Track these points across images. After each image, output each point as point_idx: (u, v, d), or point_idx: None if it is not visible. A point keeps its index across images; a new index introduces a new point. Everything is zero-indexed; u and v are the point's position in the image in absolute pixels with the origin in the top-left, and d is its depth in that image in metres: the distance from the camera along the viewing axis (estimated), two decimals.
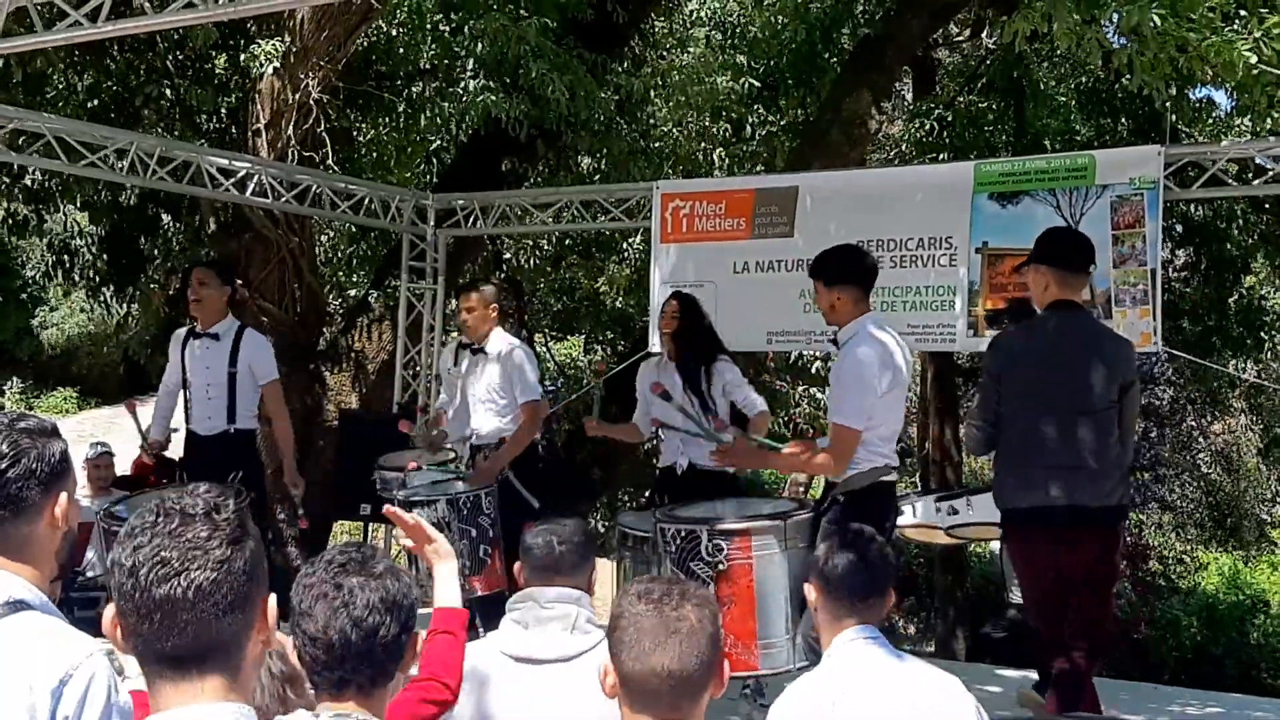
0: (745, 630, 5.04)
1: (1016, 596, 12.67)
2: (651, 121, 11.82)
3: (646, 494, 7.80)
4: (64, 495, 2.50)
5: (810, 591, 3.55)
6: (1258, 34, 6.91)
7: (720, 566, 5.05)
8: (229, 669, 1.74)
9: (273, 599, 1.82)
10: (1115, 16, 7.66)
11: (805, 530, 5.22)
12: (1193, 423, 20.09)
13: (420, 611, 2.50)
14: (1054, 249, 5.67)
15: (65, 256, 11.76)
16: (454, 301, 8.63)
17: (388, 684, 2.35)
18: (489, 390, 7.63)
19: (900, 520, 7.54)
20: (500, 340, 7.68)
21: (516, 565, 3.69)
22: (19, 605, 2.36)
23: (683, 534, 5.16)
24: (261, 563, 1.80)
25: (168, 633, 1.72)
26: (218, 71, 10.26)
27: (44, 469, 2.46)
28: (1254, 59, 6.86)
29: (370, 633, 2.29)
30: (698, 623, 2.40)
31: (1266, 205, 13.32)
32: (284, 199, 9.61)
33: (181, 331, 7.72)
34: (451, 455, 8.04)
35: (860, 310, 5.43)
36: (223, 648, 1.73)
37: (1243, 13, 7.36)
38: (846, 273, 5.47)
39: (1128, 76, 7.65)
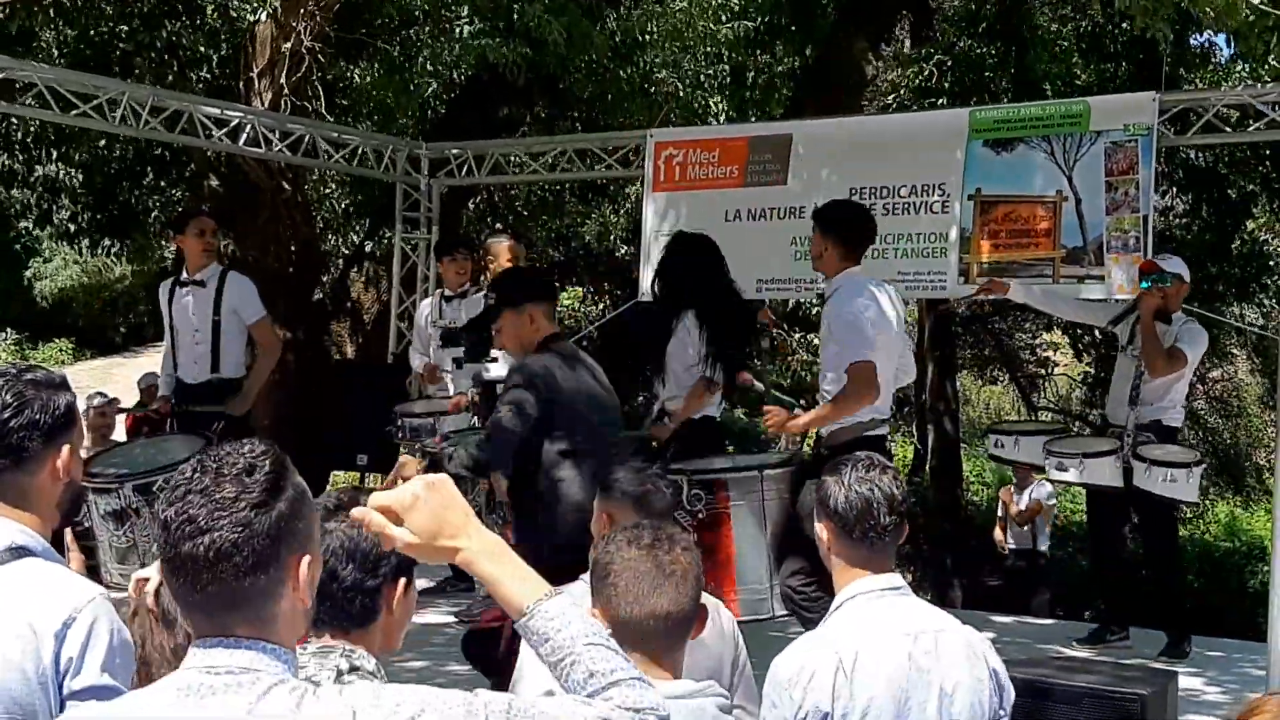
0: (726, 578, 5.09)
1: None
2: (649, 67, 11.72)
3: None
4: (67, 448, 2.53)
5: (822, 531, 3.15)
6: None
7: (700, 515, 5.11)
8: (257, 619, 1.75)
9: (307, 559, 1.80)
10: None
11: (786, 482, 5.27)
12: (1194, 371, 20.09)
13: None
14: None
15: (52, 207, 11.71)
16: (448, 255, 8.59)
17: (367, 625, 2.34)
18: None
19: (999, 451, 7.66)
20: None
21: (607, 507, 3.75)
22: (21, 551, 2.41)
23: (667, 484, 5.20)
24: (296, 523, 1.79)
25: (192, 588, 1.73)
26: (209, 20, 10.18)
27: (47, 420, 2.49)
28: (1256, 0, 6.81)
29: (327, 577, 2.27)
30: (688, 565, 2.52)
31: (1267, 151, 13.25)
32: (277, 148, 9.56)
33: (168, 282, 7.74)
34: (468, 405, 8.06)
35: (845, 265, 5.60)
36: (247, 604, 1.74)
37: None
38: (837, 224, 5.66)
39: (1128, 23, 7.60)
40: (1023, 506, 12.38)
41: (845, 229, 5.62)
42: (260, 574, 1.73)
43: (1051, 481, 7.22)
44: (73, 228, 12.27)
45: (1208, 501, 19.83)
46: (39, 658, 2.28)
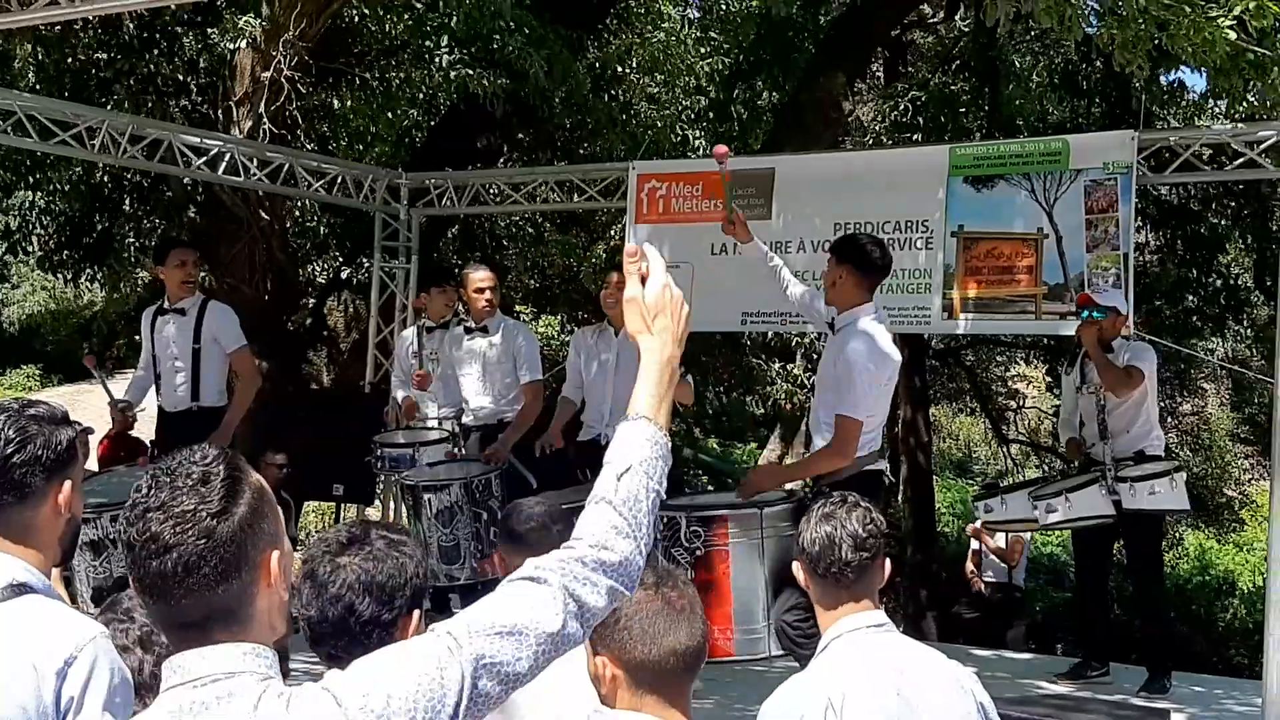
0: (721, 616, 5.06)
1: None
2: (628, 98, 11.78)
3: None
4: (68, 483, 2.52)
5: (798, 571, 3.21)
6: (1238, 10, 6.92)
7: (698, 552, 5.08)
8: (236, 625, 1.75)
9: (276, 554, 1.80)
10: None
11: (786, 519, 5.25)
12: (1163, 403, 20.24)
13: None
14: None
15: (20, 236, 11.62)
16: (437, 285, 8.60)
17: None
18: (491, 370, 7.64)
19: (990, 517, 7.65)
20: (501, 320, 7.72)
21: (496, 554, 3.64)
22: (22, 589, 2.39)
23: (664, 521, 5.16)
24: (260, 524, 1.78)
25: (167, 604, 1.73)
26: (189, 48, 10.15)
27: (49, 456, 2.48)
28: (1234, 36, 6.88)
29: (345, 612, 2.32)
30: (694, 599, 2.53)
31: (1239, 187, 13.40)
32: (256, 177, 9.53)
33: (150, 309, 7.76)
34: (446, 436, 8.05)
35: (859, 299, 5.55)
36: (226, 611, 1.74)
37: None
38: (855, 252, 5.61)
39: (1100, 60, 7.69)
40: (1001, 543, 12.40)
41: (864, 259, 5.57)
42: (233, 579, 1.73)
43: (1046, 528, 7.22)
44: (42, 253, 12.18)
45: (1178, 534, 19.96)
46: (40, 696, 2.26)
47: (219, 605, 1.73)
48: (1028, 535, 12.85)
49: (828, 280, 5.64)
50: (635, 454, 1.96)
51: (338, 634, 2.33)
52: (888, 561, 3.21)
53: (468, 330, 7.76)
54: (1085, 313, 6.89)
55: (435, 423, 8.13)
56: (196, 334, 7.41)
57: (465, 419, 7.80)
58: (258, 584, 1.77)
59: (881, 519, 3.24)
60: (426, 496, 6.97)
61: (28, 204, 11.82)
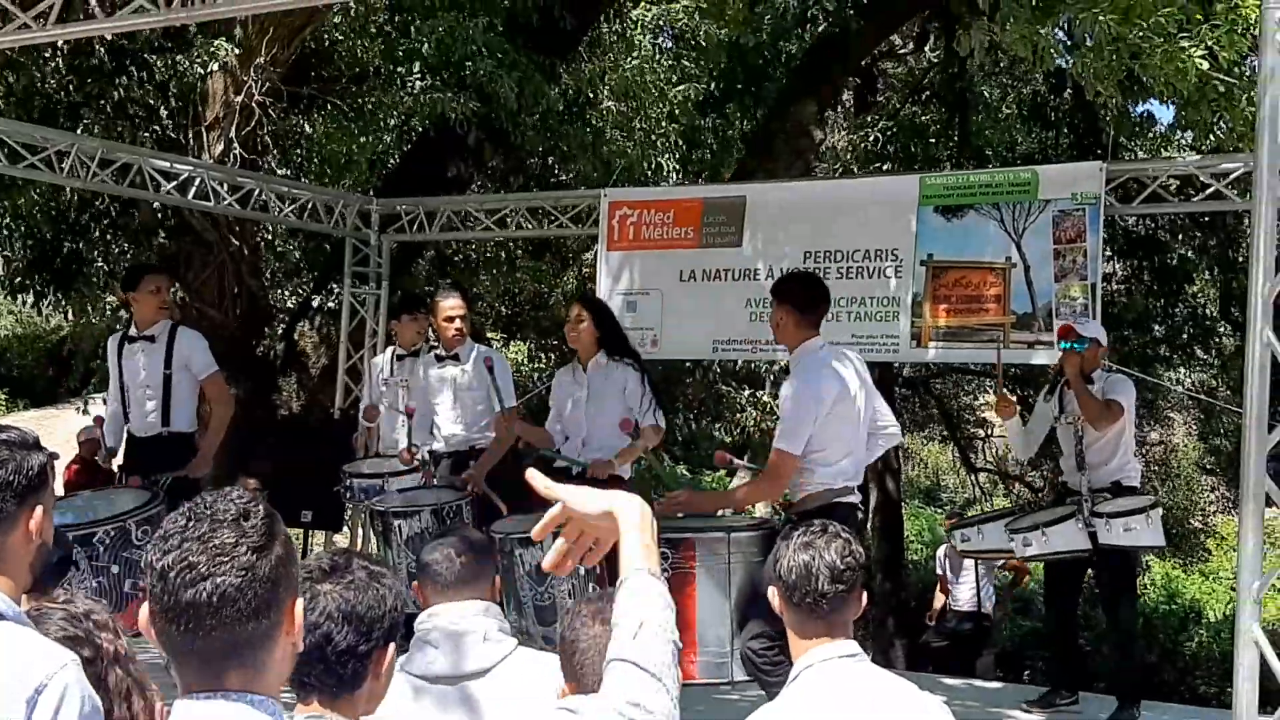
0: (686, 640, 5.03)
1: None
2: (600, 124, 11.80)
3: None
4: (40, 508, 2.49)
5: (773, 597, 3.17)
6: (1210, 41, 7.01)
7: (665, 574, 5.04)
8: (252, 667, 1.77)
9: (300, 602, 1.85)
10: (1067, 23, 7.76)
11: (755, 545, 5.25)
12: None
13: None
14: None
15: None
16: (407, 313, 8.57)
17: (355, 691, 2.32)
18: (462, 397, 7.59)
19: (966, 545, 7.68)
20: (474, 347, 7.67)
21: (414, 585, 3.53)
22: None
23: None
24: (290, 568, 1.83)
25: (193, 635, 1.74)
26: (158, 72, 10.11)
27: (21, 481, 2.45)
28: (1205, 65, 6.96)
29: (321, 640, 2.28)
30: None
31: (1205, 218, 13.54)
32: (226, 202, 9.50)
33: (116, 337, 7.71)
34: (416, 466, 8.02)
35: (803, 336, 5.58)
36: (248, 649, 1.76)
37: (1198, 16, 7.47)
38: (790, 294, 5.65)
39: (1070, 92, 7.78)
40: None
41: (798, 298, 5.62)
42: (262, 618, 1.76)
43: (1021, 560, 7.24)
44: (4, 277, 12.08)
45: (1145, 562, 20.04)
46: None
47: (243, 642, 1.75)
48: (999, 562, 12.87)
49: (772, 322, 5.71)
50: (646, 610, 1.99)
51: (313, 661, 2.29)
52: (865, 594, 3.18)
53: (439, 358, 7.71)
54: (1066, 344, 6.92)
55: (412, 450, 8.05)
56: (168, 360, 7.36)
57: (436, 445, 7.75)
58: (280, 628, 1.80)
59: (861, 550, 3.21)
60: (396, 522, 6.87)
61: None
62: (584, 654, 2.44)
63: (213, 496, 1.84)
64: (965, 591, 12.60)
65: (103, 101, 9.86)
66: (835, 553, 3.09)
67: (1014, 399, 6.29)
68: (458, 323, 7.59)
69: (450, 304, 7.68)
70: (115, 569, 6.05)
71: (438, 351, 7.73)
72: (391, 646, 2.36)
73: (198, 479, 7.38)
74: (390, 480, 7.96)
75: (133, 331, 7.49)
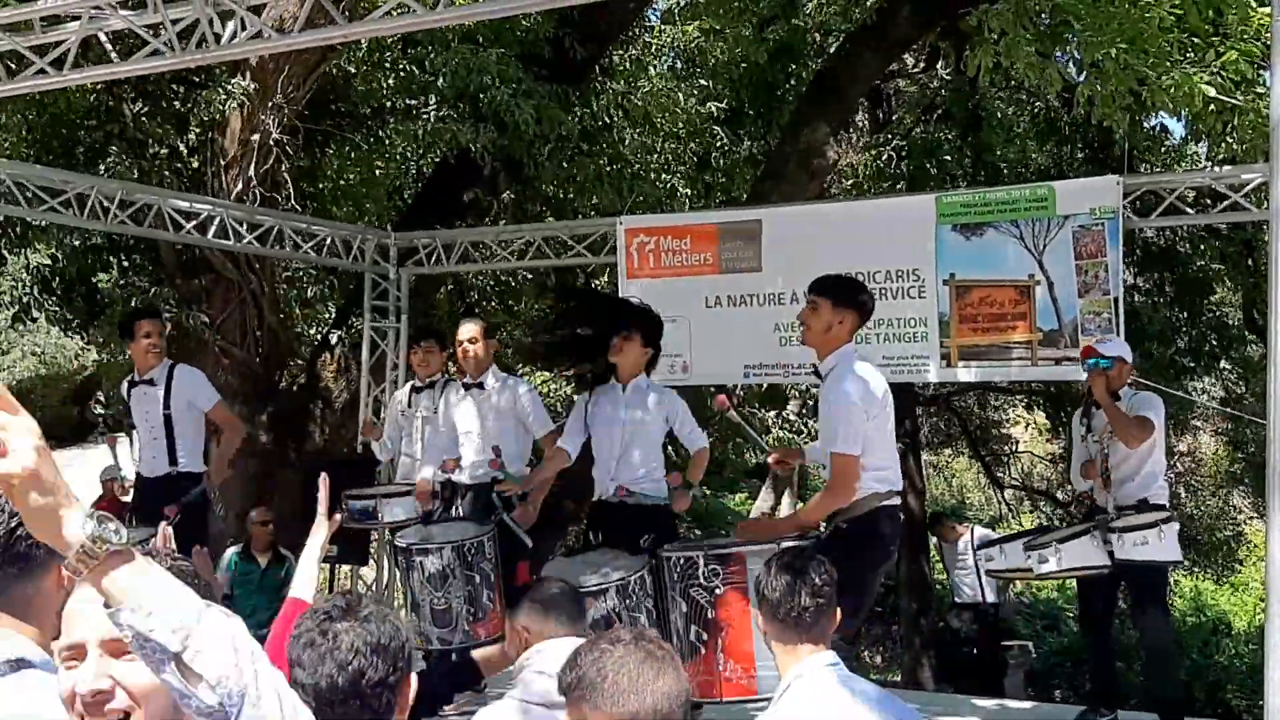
0: (742, 654, 5.03)
1: None
2: (615, 150, 11.84)
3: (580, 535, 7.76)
4: None
5: (757, 617, 3.55)
6: (1215, 67, 7.03)
7: (717, 591, 5.07)
8: None
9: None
10: (1074, 49, 7.79)
11: None
12: None
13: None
14: None
15: (29, 300, 11.63)
16: (416, 342, 8.59)
17: None
18: (490, 427, 7.52)
19: (990, 565, 7.66)
20: (498, 376, 7.63)
21: (520, 622, 3.74)
22: (20, 664, 2.35)
23: (682, 561, 5.23)
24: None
25: None
26: (176, 111, 10.17)
27: None
28: (1212, 91, 6.98)
29: (356, 675, 2.35)
30: (671, 650, 2.56)
31: (1224, 229, 13.49)
32: (246, 240, 9.56)
33: (126, 380, 7.93)
34: (408, 489, 8.04)
35: (844, 340, 5.54)
36: None
37: (1195, 41, 7.49)
38: (854, 299, 5.58)
39: (1082, 110, 7.79)
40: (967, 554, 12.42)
41: (858, 306, 5.58)
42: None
43: (1041, 577, 7.19)
44: (39, 315, 12.18)
45: (1173, 578, 19.91)
46: None
47: None
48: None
49: (819, 324, 5.53)
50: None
51: (348, 698, 2.36)
52: (838, 610, 3.57)
53: (465, 386, 7.70)
54: (1090, 362, 6.89)
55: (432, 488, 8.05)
56: (166, 400, 7.58)
57: (458, 477, 7.71)
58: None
59: (833, 570, 3.60)
60: (417, 559, 6.77)
61: (24, 268, 11.88)
62: (616, 674, 2.43)
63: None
64: (967, 577, 12.58)
65: (122, 138, 9.92)
66: (813, 571, 3.50)
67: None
68: (468, 347, 7.58)
69: (464, 329, 7.68)
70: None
71: (465, 380, 7.71)
72: (413, 675, 2.41)
73: (205, 503, 7.60)
74: (383, 503, 8.02)
75: (136, 376, 7.74)
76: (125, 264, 11.24)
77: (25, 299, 11.58)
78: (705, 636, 5.06)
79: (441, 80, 9.79)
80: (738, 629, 5.06)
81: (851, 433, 5.30)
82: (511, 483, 7.07)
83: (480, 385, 7.58)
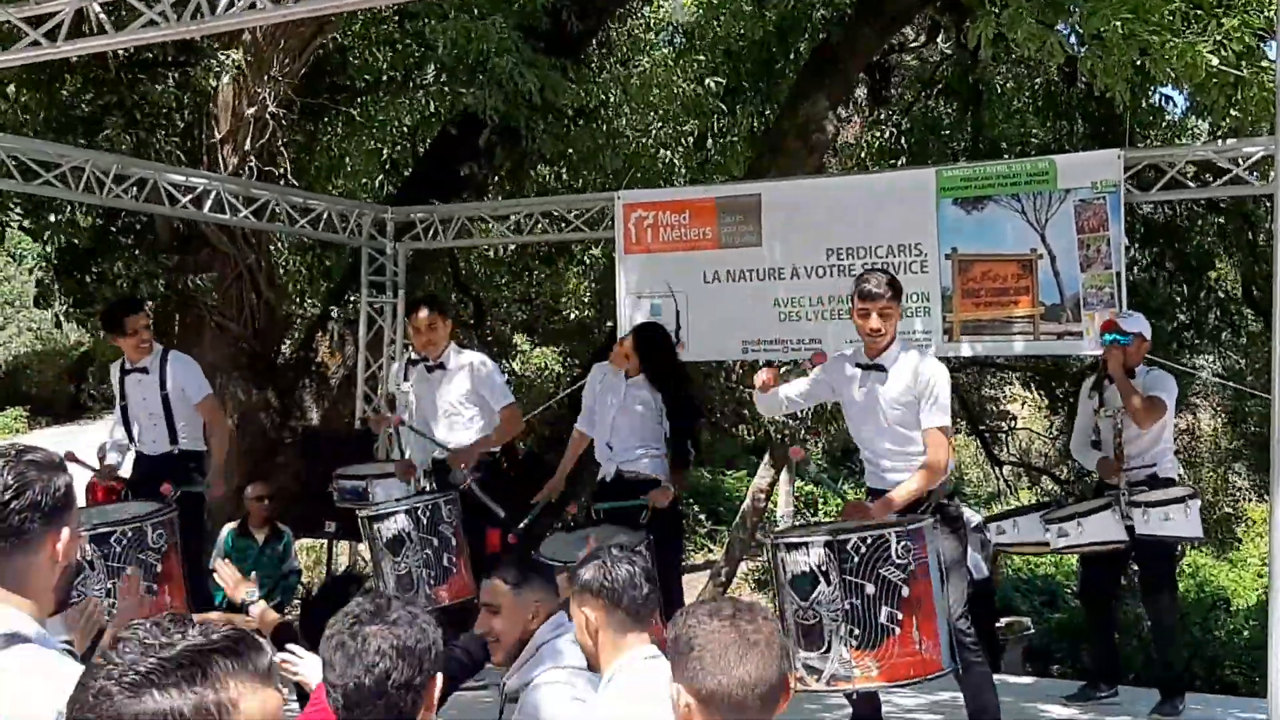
0: (932, 630, 4.92)
1: None
2: (612, 126, 11.78)
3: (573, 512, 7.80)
4: (66, 530, 2.48)
5: (588, 612, 3.52)
6: (1218, 36, 6.98)
7: (910, 567, 4.87)
8: None
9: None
10: (1076, 20, 7.73)
11: (947, 528, 5.43)
12: None
13: None
14: None
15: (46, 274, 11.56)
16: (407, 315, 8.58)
17: None
18: (455, 404, 7.58)
19: (1001, 538, 7.65)
20: (458, 353, 7.65)
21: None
22: (15, 638, 2.34)
23: (869, 540, 4.86)
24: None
25: None
26: (172, 83, 10.09)
27: (48, 502, 2.44)
28: (1215, 61, 6.92)
29: (382, 678, 2.44)
30: (771, 634, 2.54)
31: (1224, 204, 13.45)
32: (242, 214, 9.50)
33: (117, 365, 7.95)
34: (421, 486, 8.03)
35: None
36: None
37: (1198, 12, 7.44)
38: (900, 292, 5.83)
39: (1083, 80, 7.74)
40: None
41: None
42: None
43: (1057, 551, 7.15)
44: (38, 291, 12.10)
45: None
46: None
47: None
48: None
49: (888, 325, 5.64)
50: None
51: (374, 700, 2.45)
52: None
53: (429, 368, 7.70)
54: (1109, 337, 6.85)
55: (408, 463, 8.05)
56: (162, 384, 7.68)
57: (437, 454, 7.72)
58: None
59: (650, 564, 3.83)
60: (375, 526, 7.08)
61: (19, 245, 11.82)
62: (702, 649, 2.47)
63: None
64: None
65: (119, 110, 9.85)
66: (641, 563, 3.62)
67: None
68: (424, 335, 7.58)
69: (417, 317, 7.64)
70: (129, 570, 6.18)
71: (427, 363, 7.69)
72: (439, 676, 2.46)
73: (202, 492, 7.67)
74: (373, 484, 8.06)
75: (127, 364, 7.79)
76: (122, 244, 11.15)
77: (47, 280, 11.48)
78: (900, 616, 4.79)
79: (441, 48, 9.69)
80: (930, 605, 4.93)
81: (946, 404, 5.56)
82: (457, 453, 7.25)
83: (442, 365, 7.59)
